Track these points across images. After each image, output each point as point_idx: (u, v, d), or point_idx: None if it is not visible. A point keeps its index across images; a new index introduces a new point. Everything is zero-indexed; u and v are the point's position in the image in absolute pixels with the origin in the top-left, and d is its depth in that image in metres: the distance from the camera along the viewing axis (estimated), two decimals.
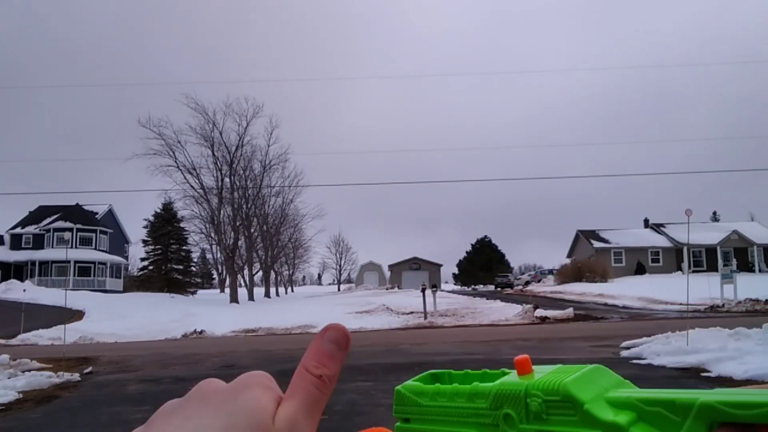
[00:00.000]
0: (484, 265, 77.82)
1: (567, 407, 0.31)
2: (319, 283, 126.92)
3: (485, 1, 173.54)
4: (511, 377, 0.37)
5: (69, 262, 49.34)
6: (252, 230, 48.87)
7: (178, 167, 43.26)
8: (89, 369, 11.58)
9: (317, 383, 0.35)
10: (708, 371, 8.90)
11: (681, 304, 22.27)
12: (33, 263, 51.55)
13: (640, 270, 50.39)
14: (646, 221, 60.09)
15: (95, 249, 53.74)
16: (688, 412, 0.26)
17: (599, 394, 0.31)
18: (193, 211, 46.50)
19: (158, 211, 51.99)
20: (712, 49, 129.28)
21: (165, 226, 51.05)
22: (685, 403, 0.25)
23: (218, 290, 73.74)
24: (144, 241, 53.05)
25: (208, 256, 72.89)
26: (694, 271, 37.86)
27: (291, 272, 79.69)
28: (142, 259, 53.91)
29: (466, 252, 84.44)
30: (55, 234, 52.09)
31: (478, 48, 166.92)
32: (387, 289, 60.52)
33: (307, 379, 0.36)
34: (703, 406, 0.25)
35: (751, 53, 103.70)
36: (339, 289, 75.91)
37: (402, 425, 0.40)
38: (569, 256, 62.06)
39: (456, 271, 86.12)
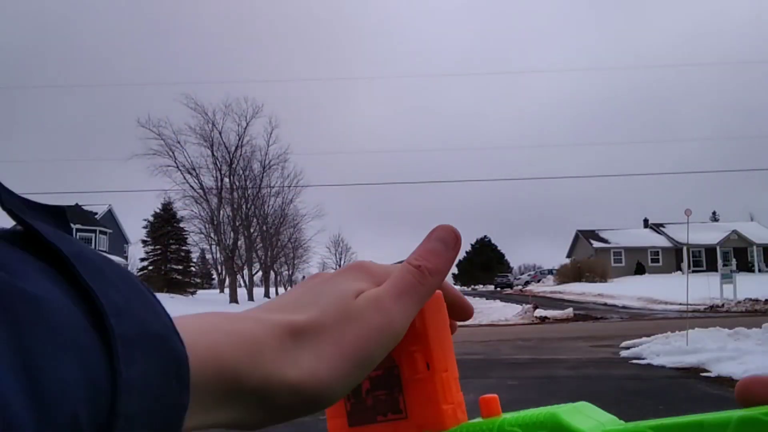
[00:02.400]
0: (483, 265, 77.88)
1: None
2: None
3: (484, 2, 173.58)
4: (479, 421, 0.33)
5: None
6: (251, 230, 48.87)
7: (177, 167, 43.33)
8: None
9: (414, 272, 0.35)
10: (708, 371, 8.90)
11: (680, 304, 22.28)
12: None
13: (639, 270, 50.43)
14: (645, 221, 60.14)
15: (95, 249, 53.71)
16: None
17: (597, 427, 0.27)
18: (192, 211, 46.56)
19: (158, 211, 51.99)
20: (712, 49, 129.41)
21: (164, 227, 51.04)
22: (716, 422, 0.21)
23: (218, 290, 73.71)
24: (143, 242, 53.06)
25: (208, 256, 72.83)
26: (693, 271, 37.88)
27: (291, 272, 79.67)
28: (142, 260, 53.90)
29: (466, 252, 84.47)
30: None
31: (478, 48, 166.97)
32: None
33: (404, 268, 0.36)
34: (741, 420, 0.21)
35: (752, 53, 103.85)
36: None
37: None
38: (569, 256, 62.10)
39: (455, 271, 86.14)
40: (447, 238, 0.36)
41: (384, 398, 0.37)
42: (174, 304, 33.61)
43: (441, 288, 0.37)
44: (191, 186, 44.22)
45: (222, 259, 55.74)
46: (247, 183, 47.10)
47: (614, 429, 0.26)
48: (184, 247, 53.08)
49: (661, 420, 0.24)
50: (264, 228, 51.43)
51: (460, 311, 0.39)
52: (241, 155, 46.05)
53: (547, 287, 46.60)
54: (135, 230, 73.43)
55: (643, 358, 10.53)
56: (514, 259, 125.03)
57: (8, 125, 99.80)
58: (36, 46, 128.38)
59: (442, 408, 0.34)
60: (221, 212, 45.50)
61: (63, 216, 0.28)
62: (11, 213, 0.24)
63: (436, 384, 0.34)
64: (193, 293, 51.69)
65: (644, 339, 12.14)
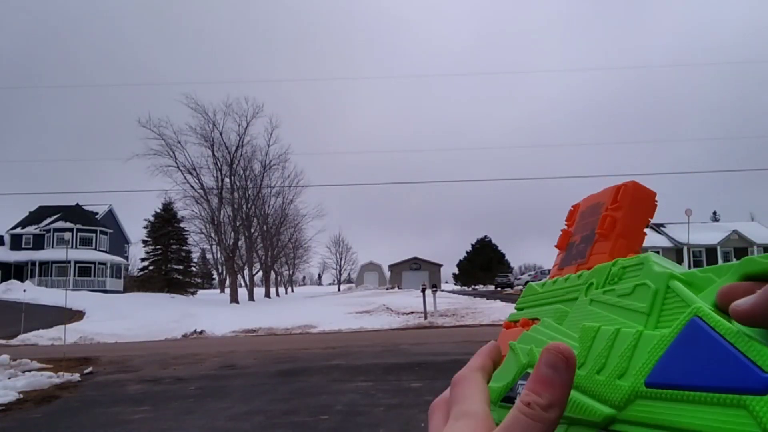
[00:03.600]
0: (484, 265, 77.80)
1: (638, 269, 0.33)
2: (319, 283, 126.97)
3: (483, 3, 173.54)
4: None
5: (69, 262, 49.36)
6: (252, 230, 48.87)
7: (178, 167, 43.29)
8: (89, 369, 11.58)
9: (525, 410, 0.33)
10: None
11: None
12: (33, 263, 51.57)
13: None
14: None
15: (95, 249, 53.75)
16: (730, 269, 0.27)
17: (672, 269, 0.32)
18: (193, 211, 46.54)
19: (158, 211, 52.01)
20: (713, 50, 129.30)
21: (165, 227, 51.04)
22: (729, 264, 0.27)
23: (218, 290, 73.73)
24: (144, 242, 53.07)
25: (208, 256, 72.89)
26: None
27: (291, 272, 79.70)
28: (142, 260, 53.92)
29: (466, 252, 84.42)
30: (56, 234, 52.11)
31: (478, 49, 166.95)
32: (387, 289, 60.55)
33: (515, 410, 0.34)
34: (744, 260, 0.26)
35: (752, 53, 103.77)
36: (339, 289, 75.93)
37: (514, 312, 0.46)
38: None
39: (456, 271, 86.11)
40: (556, 361, 0.33)
41: (582, 249, 0.47)
42: (174, 304, 33.62)
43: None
44: (192, 186, 44.23)
45: (222, 259, 55.78)
46: (248, 183, 47.11)
47: (677, 272, 0.30)
48: (184, 247, 53.10)
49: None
50: (264, 228, 51.43)
51: None
52: (241, 155, 46.09)
53: None
54: (136, 230, 73.69)
55: None
56: (515, 259, 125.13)
57: (9, 125, 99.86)
58: (37, 46, 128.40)
59: (606, 258, 0.42)
60: (222, 212, 45.50)
61: None
62: None
63: (612, 242, 0.43)
64: (193, 293, 51.72)
65: None
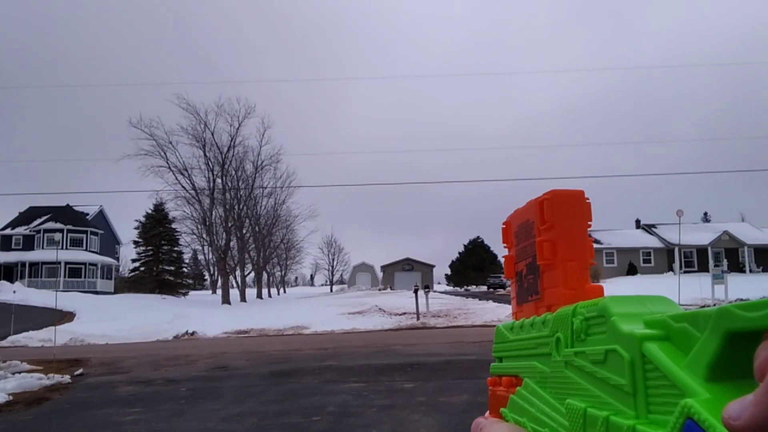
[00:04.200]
0: (476, 266, 77.90)
1: (601, 324, 0.31)
2: (312, 284, 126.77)
3: (480, 3, 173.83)
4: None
5: (59, 263, 49.06)
6: (244, 231, 48.74)
7: (169, 168, 43.14)
8: (80, 371, 11.51)
9: None
10: None
11: None
12: (23, 264, 51.23)
13: (631, 270, 50.64)
14: (637, 222, 60.40)
15: (86, 250, 53.47)
16: (707, 322, 0.25)
17: (640, 314, 0.30)
18: (184, 212, 46.37)
19: (149, 212, 51.77)
20: (705, 51, 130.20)
21: (156, 227, 50.83)
22: (706, 314, 0.24)
23: (210, 291, 73.48)
24: (135, 242, 52.80)
25: (200, 257, 72.69)
26: (685, 272, 38.09)
27: (283, 273, 79.56)
28: (133, 261, 53.66)
29: (459, 253, 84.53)
30: (46, 235, 51.79)
31: (471, 50, 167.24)
32: (379, 290, 60.54)
33: None
34: (720, 312, 0.23)
35: (745, 54, 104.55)
36: (331, 290, 75.83)
37: (495, 365, 0.44)
38: None
39: (448, 272, 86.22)
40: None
41: (531, 282, 0.43)
42: (166, 305, 33.49)
43: None
44: (183, 187, 44.08)
45: (214, 260, 55.60)
46: (240, 183, 46.99)
47: (648, 318, 0.29)
48: (176, 248, 52.90)
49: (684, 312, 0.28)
50: (256, 229, 51.33)
51: None
52: (233, 156, 45.97)
53: None
54: (126, 231, 73.22)
55: None
56: None
57: None
58: (27, 46, 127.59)
59: (561, 291, 0.38)
60: (213, 213, 45.36)
61: None
62: None
63: (560, 270, 0.39)
64: (185, 294, 51.52)
65: None
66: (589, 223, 0.37)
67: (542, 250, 0.41)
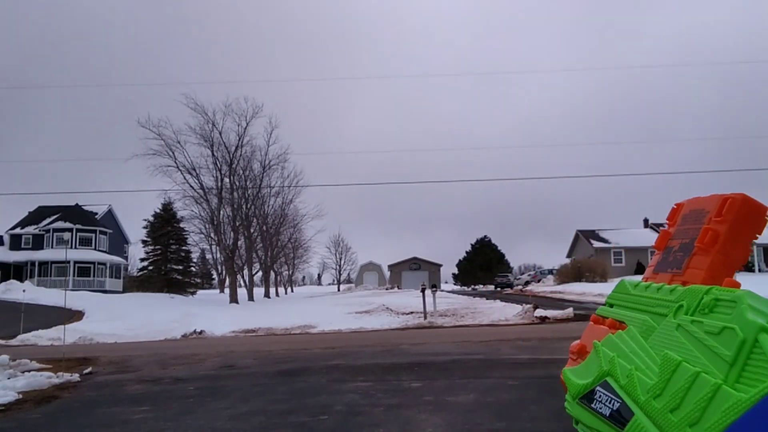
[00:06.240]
0: (483, 265, 77.83)
1: (729, 307, 0.36)
2: (319, 284, 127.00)
3: (481, 3, 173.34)
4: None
5: (68, 262, 49.37)
6: (252, 230, 48.89)
7: (177, 167, 43.34)
8: (89, 369, 11.57)
9: None
10: None
11: None
12: (32, 263, 51.58)
13: (639, 270, 50.45)
14: (645, 221, 60.13)
15: (95, 249, 53.77)
16: None
17: (764, 313, 0.37)
18: (192, 211, 46.59)
19: (158, 211, 52.04)
20: (709, 49, 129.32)
21: (164, 227, 51.06)
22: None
23: (218, 290, 73.78)
24: (143, 242, 53.09)
25: (208, 256, 72.94)
26: None
27: (291, 272, 79.72)
28: (142, 260, 53.94)
29: (466, 252, 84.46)
30: (55, 234, 52.13)
31: (476, 49, 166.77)
32: (387, 289, 60.58)
33: None
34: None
35: (749, 53, 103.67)
36: (339, 289, 75.94)
37: (603, 308, 0.50)
38: (569, 255, 62.08)
39: (456, 271, 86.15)
40: None
41: (679, 258, 0.49)
42: (174, 304, 33.62)
43: None
44: (191, 186, 44.28)
45: (222, 259, 55.82)
46: (247, 183, 47.15)
47: None
48: (184, 247, 53.13)
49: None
50: (264, 228, 51.47)
51: None
52: (241, 155, 46.14)
53: (547, 287, 46.57)
54: (135, 230, 73.59)
55: None
56: (514, 259, 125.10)
57: (8, 125, 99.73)
58: (36, 46, 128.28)
59: (701, 274, 0.43)
60: (221, 212, 45.53)
61: None
62: None
63: (711, 258, 0.45)
64: (193, 293, 51.75)
65: None
66: (757, 235, 0.41)
67: (705, 235, 0.44)
